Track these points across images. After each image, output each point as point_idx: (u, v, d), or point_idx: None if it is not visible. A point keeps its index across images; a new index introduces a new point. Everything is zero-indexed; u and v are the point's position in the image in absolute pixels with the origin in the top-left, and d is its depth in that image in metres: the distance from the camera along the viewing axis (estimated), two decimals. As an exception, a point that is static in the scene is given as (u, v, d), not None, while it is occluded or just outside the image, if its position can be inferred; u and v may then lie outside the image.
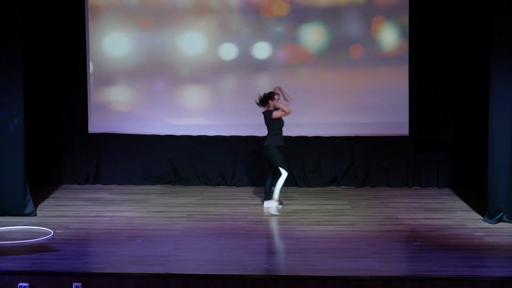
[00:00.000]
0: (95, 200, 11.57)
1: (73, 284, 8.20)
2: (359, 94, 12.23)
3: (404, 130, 12.25)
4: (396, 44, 12.17)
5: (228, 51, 12.26)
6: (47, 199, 11.54)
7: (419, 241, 9.44)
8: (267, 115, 10.80)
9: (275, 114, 10.75)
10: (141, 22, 12.27)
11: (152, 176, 12.50)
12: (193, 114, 12.39)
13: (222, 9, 12.19)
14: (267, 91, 10.85)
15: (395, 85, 12.24)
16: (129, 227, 10.10)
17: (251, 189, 12.30)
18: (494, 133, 10.22)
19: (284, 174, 10.66)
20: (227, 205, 11.28)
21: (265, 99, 10.77)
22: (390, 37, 12.19)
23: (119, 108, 12.44)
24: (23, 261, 8.69)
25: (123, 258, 8.84)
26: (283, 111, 10.76)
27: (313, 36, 12.20)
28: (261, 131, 12.37)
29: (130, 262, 8.68)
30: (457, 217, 10.63)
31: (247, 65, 12.27)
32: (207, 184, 12.46)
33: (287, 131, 12.28)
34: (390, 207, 11.12)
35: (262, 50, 12.24)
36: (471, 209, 11.00)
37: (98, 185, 12.48)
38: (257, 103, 10.80)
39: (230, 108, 12.37)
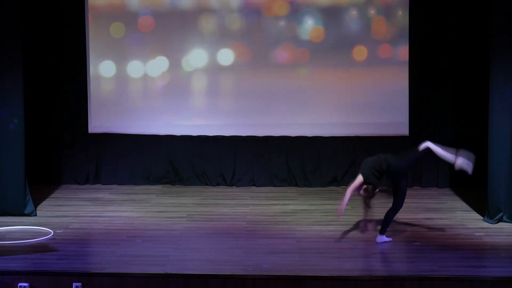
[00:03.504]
0: (95, 200, 11.57)
1: (73, 284, 8.20)
2: (359, 94, 12.23)
3: (404, 130, 12.25)
4: (396, 44, 12.17)
5: (229, 51, 12.26)
6: (47, 199, 11.54)
7: (419, 241, 9.45)
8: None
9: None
10: (141, 22, 12.27)
11: (152, 176, 12.49)
12: (193, 114, 12.39)
13: (221, 9, 12.20)
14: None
15: (395, 85, 12.24)
16: (129, 227, 10.11)
17: (251, 189, 12.31)
18: (494, 133, 10.22)
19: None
20: (227, 205, 11.28)
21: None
22: (390, 37, 12.18)
23: (119, 108, 12.43)
24: (23, 261, 8.69)
25: (123, 258, 8.85)
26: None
27: (313, 36, 12.20)
28: (261, 131, 12.41)
29: (130, 262, 8.69)
30: (457, 217, 10.63)
31: (247, 64, 12.27)
32: (207, 184, 12.46)
33: (287, 131, 12.34)
34: (390, 207, 11.12)
35: (262, 50, 12.24)
36: (471, 209, 11.00)
37: (98, 185, 12.47)
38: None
39: (230, 108, 12.37)
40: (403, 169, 9.30)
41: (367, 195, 9.18)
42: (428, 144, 9.13)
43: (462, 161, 9.13)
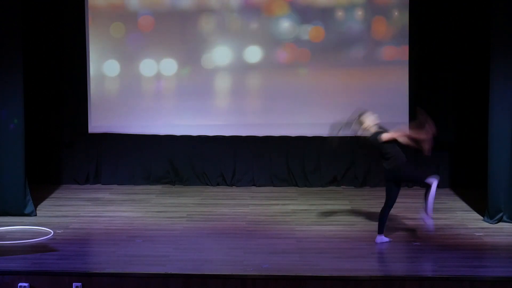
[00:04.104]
0: (95, 200, 11.57)
1: (73, 284, 8.20)
2: (359, 94, 12.22)
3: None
4: (396, 44, 12.17)
5: (228, 52, 12.26)
6: (47, 199, 11.55)
7: (419, 241, 9.45)
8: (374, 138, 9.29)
9: (385, 136, 9.20)
10: (141, 23, 12.27)
11: (152, 176, 12.49)
12: (193, 114, 12.38)
13: (221, 9, 12.20)
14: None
15: (395, 85, 12.24)
16: (129, 227, 10.11)
17: (251, 189, 12.31)
18: (494, 133, 10.22)
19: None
20: (227, 205, 11.28)
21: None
22: (390, 37, 12.18)
23: (119, 108, 12.43)
24: (23, 261, 8.69)
25: (123, 258, 8.85)
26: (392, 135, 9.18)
27: (313, 36, 12.20)
28: (261, 131, 12.41)
29: (130, 262, 8.69)
30: (457, 217, 10.63)
31: (247, 65, 12.27)
32: (207, 184, 12.46)
33: (287, 131, 12.34)
34: (390, 207, 11.12)
35: (262, 50, 12.24)
36: (471, 209, 11.00)
37: (98, 185, 12.47)
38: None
39: (230, 108, 12.37)
40: (400, 177, 9.29)
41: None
42: (435, 183, 9.11)
43: (429, 221, 9.16)
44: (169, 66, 12.31)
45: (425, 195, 9.19)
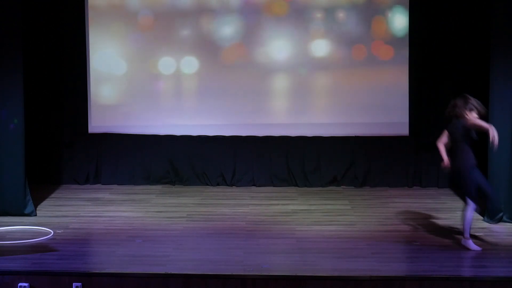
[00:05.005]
0: (95, 200, 11.57)
1: (73, 284, 8.20)
2: (359, 94, 12.23)
3: (404, 130, 12.25)
4: (396, 44, 12.17)
5: (228, 51, 12.26)
6: (47, 199, 11.54)
7: (419, 241, 9.45)
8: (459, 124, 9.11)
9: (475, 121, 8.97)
10: (141, 22, 12.27)
11: (152, 176, 12.49)
12: (193, 114, 12.39)
13: (222, 9, 12.20)
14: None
15: (395, 85, 12.24)
16: (129, 227, 10.11)
17: (251, 189, 12.31)
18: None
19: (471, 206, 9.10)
20: (227, 205, 11.28)
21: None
22: (390, 37, 12.19)
23: (119, 108, 12.44)
24: (23, 261, 8.69)
25: (123, 258, 8.85)
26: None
27: (313, 36, 12.20)
28: (261, 131, 12.41)
29: (130, 262, 8.69)
30: (457, 217, 10.60)
31: (247, 65, 12.27)
32: (207, 184, 12.46)
33: (287, 131, 12.34)
34: (390, 207, 11.12)
35: (262, 50, 12.24)
36: (471, 209, 11.00)
37: (98, 185, 12.47)
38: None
39: (230, 108, 12.36)
40: (460, 177, 9.18)
41: None
42: (473, 206, 9.10)
43: (470, 244, 9.16)
44: (169, 66, 12.31)
45: (462, 218, 9.18)
